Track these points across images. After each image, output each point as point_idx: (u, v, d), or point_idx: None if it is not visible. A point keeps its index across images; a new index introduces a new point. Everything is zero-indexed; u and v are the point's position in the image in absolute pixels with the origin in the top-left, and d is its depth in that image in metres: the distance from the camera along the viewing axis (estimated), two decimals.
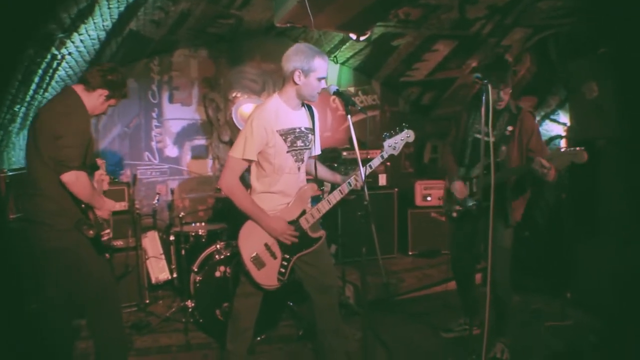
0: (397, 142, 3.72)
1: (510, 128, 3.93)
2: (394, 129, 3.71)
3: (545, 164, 3.65)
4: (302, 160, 3.60)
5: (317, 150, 3.78)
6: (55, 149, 3.22)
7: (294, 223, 3.57)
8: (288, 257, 3.57)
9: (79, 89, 3.47)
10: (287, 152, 3.47)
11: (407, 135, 3.74)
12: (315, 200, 3.71)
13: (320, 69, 3.38)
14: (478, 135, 4.15)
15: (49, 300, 3.56)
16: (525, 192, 4.09)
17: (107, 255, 3.72)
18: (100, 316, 3.52)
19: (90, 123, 3.49)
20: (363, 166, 3.46)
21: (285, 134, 3.44)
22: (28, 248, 3.46)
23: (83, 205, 3.41)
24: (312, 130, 3.66)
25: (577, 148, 3.54)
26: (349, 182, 3.62)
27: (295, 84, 3.40)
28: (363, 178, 3.37)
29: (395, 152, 3.74)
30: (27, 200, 3.43)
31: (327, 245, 3.84)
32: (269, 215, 3.49)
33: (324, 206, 3.62)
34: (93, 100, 3.48)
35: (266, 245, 3.52)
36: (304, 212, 3.61)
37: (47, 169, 3.27)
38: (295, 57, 3.37)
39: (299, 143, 3.53)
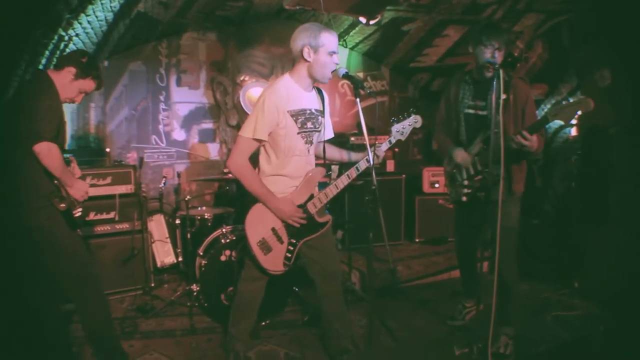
0: (404, 127, 3.74)
1: (503, 96, 3.68)
2: (402, 114, 3.70)
3: (525, 138, 3.56)
4: (312, 143, 3.58)
5: (329, 134, 3.76)
6: (27, 123, 3.22)
7: (301, 207, 3.55)
8: (294, 242, 3.57)
9: (49, 70, 3.50)
10: (298, 133, 3.45)
11: (414, 121, 3.77)
12: (322, 186, 3.69)
13: (329, 43, 3.35)
14: (470, 111, 4.07)
15: (34, 279, 3.57)
16: (521, 161, 3.96)
17: (79, 230, 3.70)
18: (84, 294, 3.54)
19: (60, 103, 3.46)
20: (371, 151, 3.44)
21: (296, 114, 3.42)
22: (9, 229, 3.44)
23: (55, 182, 3.39)
24: (322, 112, 3.63)
25: (581, 97, 3.43)
26: (356, 167, 3.61)
27: (306, 61, 3.38)
28: (372, 163, 3.34)
29: (403, 138, 3.78)
30: (3, 180, 3.42)
31: (331, 231, 3.82)
32: (278, 197, 3.47)
33: (332, 190, 3.61)
34: (61, 79, 3.46)
35: (273, 229, 3.51)
36: (311, 197, 3.59)
37: (20, 147, 3.26)
38: (302, 35, 3.36)
39: (309, 125, 3.50)
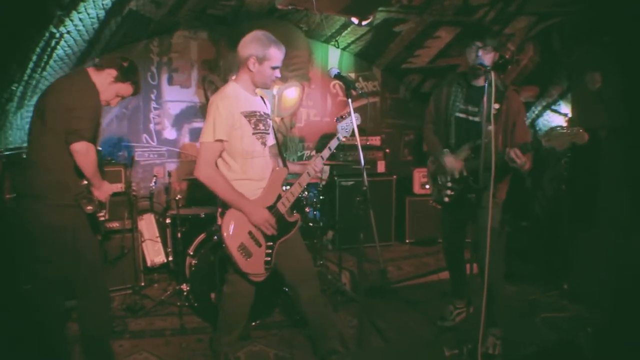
0: (348, 124, 3.77)
1: (496, 106, 3.73)
2: (344, 114, 3.77)
3: (517, 156, 3.57)
4: (266, 145, 3.63)
5: (272, 139, 3.80)
6: (68, 119, 3.21)
7: (272, 208, 3.59)
8: (271, 244, 3.61)
9: (90, 70, 3.49)
10: (253, 134, 3.50)
11: (356, 118, 3.77)
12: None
13: (274, 58, 3.45)
14: (461, 115, 4.08)
15: (41, 278, 3.51)
16: (509, 173, 3.97)
17: (99, 236, 3.69)
18: (90, 298, 3.50)
19: (101, 103, 3.47)
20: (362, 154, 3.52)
21: (248, 115, 3.48)
22: (25, 224, 3.42)
23: (84, 182, 3.39)
24: (269, 115, 3.72)
25: (577, 128, 3.46)
26: (314, 166, 3.72)
27: (250, 70, 3.45)
28: (362, 164, 3.36)
29: (348, 134, 3.81)
30: (27, 173, 3.41)
31: (300, 234, 3.86)
32: (251, 202, 3.49)
33: (297, 189, 3.69)
34: (101, 80, 3.47)
35: (250, 233, 3.52)
36: (279, 197, 3.64)
37: (53, 141, 3.26)
38: (251, 45, 3.43)
39: (261, 126, 3.57)
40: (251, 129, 3.48)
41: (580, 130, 3.43)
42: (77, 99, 3.27)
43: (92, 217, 3.46)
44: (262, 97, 3.75)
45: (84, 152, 3.24)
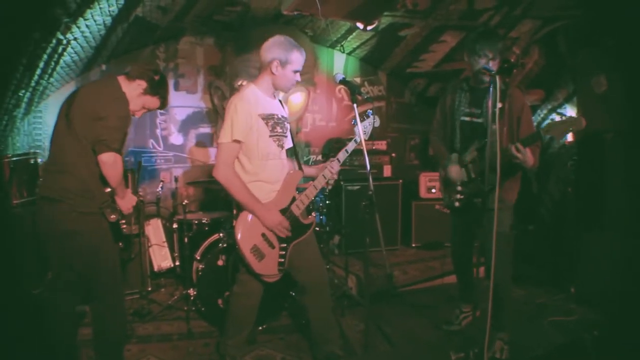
0: (366, 127, 3.82)
1: (499, 105, 3.65)
2: (362, 116, 3.80)
3: (518, 151, 3.57)
4: (282, 147, 3.66)
5: (289, 143, 3.82)
6: (97, 128, 3.19)
7: (286, 211, 3.62)
8: (285, 245, 3.63)
9: (120, 78, 3.47)
10: (270, 136, 3.53)
11: (374, 120, 3.88)
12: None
13: (296, 62, 3.51)
14: (466, 118, 4.09)
15: (56, 283, 3.51)
16: (517, 172, 3.96)
17: (120, 244, 3.69)
18: (108, 303, 3.49)
19: (130, 114, 3.45)
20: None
21: (266, 118, 3.51)
22: (43, 228, 3.40)
23: (108, 190, 3.39)
24: (287, 119, 3.75)
25: (573, 116, 3.46)
26: (330, 168, 3.75)
27: (272, 74, 3.50)
28: (368, 169, 3.37)
29: (366, 137, 3.83)
30: (47, 177, 3.39)
31: (315, 236, 3.88)
32: (265, 205, 3.50)
33: (312, 191, 3.71)
34: (131, 90, 3.45)
35: (263, 235, 3.55)
36: (293, 199, 3.67)
37: (79, 148, 3.24)
38: (274, 48, 3.48)
39: (278, 129, 3.60)
40: (268, 131, 3.52)
41: (577, 117, 3.43)
42: (109, 108, 3.25)
43: (114, 225, 3.46)
44: (280, 101, 3.78)
45: (111, 163, 3.23)
